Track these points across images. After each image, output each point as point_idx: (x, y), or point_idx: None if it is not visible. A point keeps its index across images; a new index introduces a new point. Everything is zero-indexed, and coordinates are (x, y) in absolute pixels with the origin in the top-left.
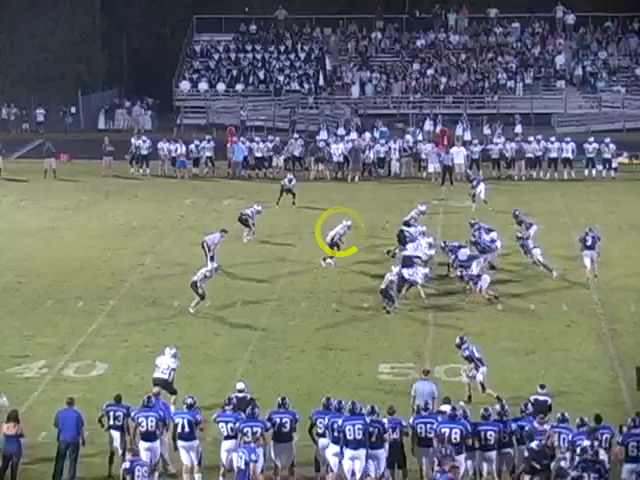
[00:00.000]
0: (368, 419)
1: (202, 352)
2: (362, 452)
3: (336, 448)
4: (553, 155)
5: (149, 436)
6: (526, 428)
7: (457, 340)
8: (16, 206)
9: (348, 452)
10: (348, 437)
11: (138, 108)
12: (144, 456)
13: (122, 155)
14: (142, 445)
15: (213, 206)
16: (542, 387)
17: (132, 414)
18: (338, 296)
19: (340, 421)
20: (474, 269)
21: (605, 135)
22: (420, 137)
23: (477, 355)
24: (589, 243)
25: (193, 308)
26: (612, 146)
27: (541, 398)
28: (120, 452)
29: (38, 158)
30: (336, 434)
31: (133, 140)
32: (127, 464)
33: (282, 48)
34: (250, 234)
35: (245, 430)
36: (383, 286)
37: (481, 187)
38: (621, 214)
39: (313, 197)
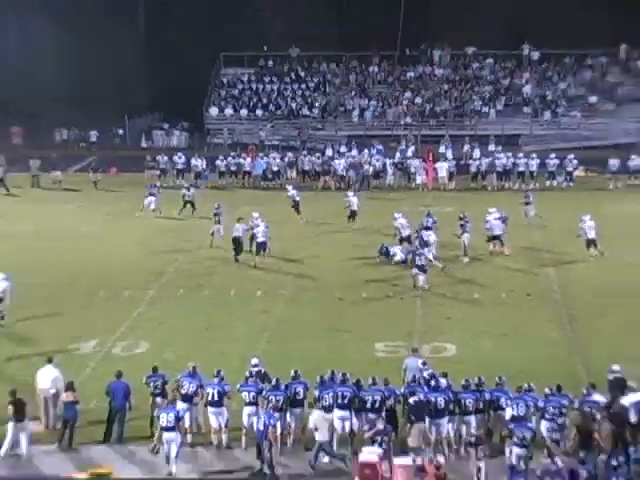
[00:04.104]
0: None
1: (226, 334)
2: (347, 413)
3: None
4: (521, 169)
5: (187, 398)
6: (502, 399)
7: None
8: (74, 212)
9: (338, 412)
10: (339, 401)
11: (190, 137)
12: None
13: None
14: (179, 405)
15: (236, 211)
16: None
17: (178, 377)
18: (340, 287)
19: (330, 390)
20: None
21: (566, 152)
22: (410, 154)
23: None
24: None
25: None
26: (575, 161)
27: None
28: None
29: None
30: (331, 400)
31: (158, 158)
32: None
33: (295, 79)
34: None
35: (270, 398)
36: (261, 239)
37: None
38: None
39: (320, 205)
